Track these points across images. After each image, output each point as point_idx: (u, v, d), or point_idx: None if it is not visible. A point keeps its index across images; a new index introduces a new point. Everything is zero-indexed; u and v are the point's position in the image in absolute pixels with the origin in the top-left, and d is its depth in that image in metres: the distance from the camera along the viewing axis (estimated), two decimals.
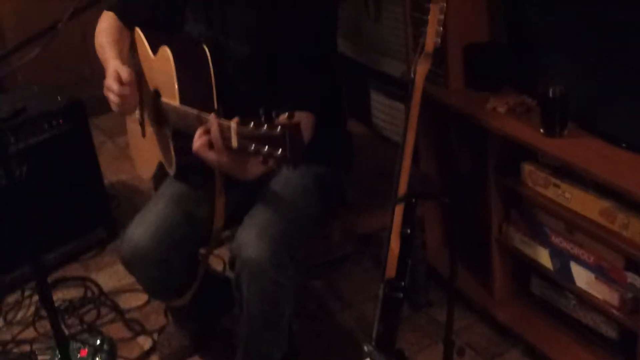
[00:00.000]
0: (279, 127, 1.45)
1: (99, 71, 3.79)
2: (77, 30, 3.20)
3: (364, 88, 2.95)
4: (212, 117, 1.64)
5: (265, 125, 1.47)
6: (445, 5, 1.61)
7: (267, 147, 1.48)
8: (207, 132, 1.65)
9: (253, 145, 1.51)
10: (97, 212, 3.03)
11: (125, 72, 1.95)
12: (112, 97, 1.97)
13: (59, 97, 2.93)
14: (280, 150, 1.46)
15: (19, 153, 2.74)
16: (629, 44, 1.83)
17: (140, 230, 2.02)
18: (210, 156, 1.66)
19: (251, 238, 1.89)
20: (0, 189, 2.49)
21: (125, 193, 3.39)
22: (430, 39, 1.62)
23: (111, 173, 3.48)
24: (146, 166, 2.29)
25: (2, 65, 1.74)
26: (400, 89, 2.77)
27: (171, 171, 2.06)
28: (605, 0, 1.86)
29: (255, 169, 1.66)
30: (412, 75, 1.68)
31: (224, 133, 1.61)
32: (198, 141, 1.67)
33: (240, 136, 1.55)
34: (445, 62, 2.22)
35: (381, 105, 2.91)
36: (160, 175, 2.24)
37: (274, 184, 2.02)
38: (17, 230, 1.63)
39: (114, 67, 1.99)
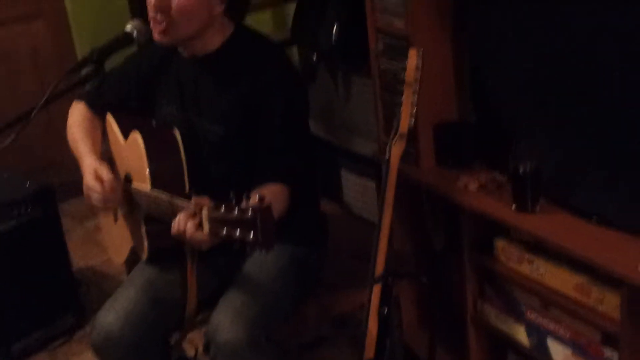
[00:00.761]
0: (250, 210, 1.46)
1: (68, 156, 3.80)
2: (44, 115, 3.21)
3: (334, 167, 2.97)
4: (185, 203, 1.65)
5: (236, 209, 1.48)
6: (418, 87, 1.65)
7: (238, 231, 1.48)
8: (186, 217, 1.65)
9: (225, 229, 1.51)
10: (66, 299, 2.97)
11: (104, 172, 1.96)
12: (95, 197, 1.97)
13: (27, 184, 2.90)
14: (251, 233, 1.47)
15: None
16: (596, 119, 1.87)
17: (112, 316, 1.98)
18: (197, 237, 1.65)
19: (227, 321, 1.86)
20: None
21: (94, 279, 3.33)
22: (405, 120, 1.66)
23: (80, 258, 3.42)
24: (118, 251, 2.27)
25: None
26: (370, 167, 2.80)
27: (143, 255, 2.04)
28: (571, 78, 1.91)
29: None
30: (388, 155, 1.70)
31: (196, 218, 1.62)
32: (180, 226, 1.68)
33: (212, 221, 1.55)
34: (417, 141, 2.25)
35: (352, 184, 2.93)
36: (133, 259, 2.22)
37: (250, 265, 2.01)
38: None
39: (91, 165, 2.00)
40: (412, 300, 2.53)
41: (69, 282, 2.99)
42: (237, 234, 1.48)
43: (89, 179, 1.99)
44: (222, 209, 1.51)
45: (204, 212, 1.57)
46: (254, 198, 1.49)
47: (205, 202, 1.63)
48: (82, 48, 3.79)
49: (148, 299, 2.01)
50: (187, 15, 1.90)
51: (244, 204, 1.48)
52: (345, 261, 2.36)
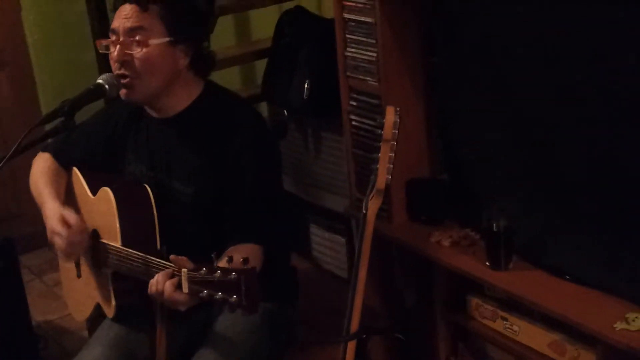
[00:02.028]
0: (234, 272, 1.45)
1: (27, 208, 3.73)
2: (5, 167, 3.16)
3: (303, 222, 2.95)
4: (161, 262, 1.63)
5: (219, 271, 1.46)
6: (395, 143, 1.66)
7: (220, 293, 1.46)
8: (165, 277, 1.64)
9: (205, 291, 1.49)
10: (24, 354, 2.87)
11: (72, 217, 1.92)
12: (60, 242, 1.92)
13: None
14: (235, 296, 1.45)
15: None
16: (567, 181, 1.90)
17: None
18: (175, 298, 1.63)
19: None
20: None
21: (53, 334, 3.23)
22: (382, 177, 1.66)
23: (38, 313, 3.32)
24: (81, 308, 2.21)
25: None
26: (340, 222, 2.79)
27: (110, 312, 1.99)
28: (543, 141, 1.94)
29: None
30: (365, 210, 1.70)
31: (175, 278, 1.59)
32: (158, 285, 1.66)
33: (192, 281, 1.53)
34: (389, 196, 2.25)
35: (321, 239, 2.91)
36: (95, 316, 2.16)
37: (221, 322, 1.97)
38: None
39: (56, 209, 1.95)
40: (383, 356, 2.50)
41: (29, 336, 2.90)
42: (219, 295, 1.46)
43: (54, 223, 1.93)
44: (204, 270, 1.49)
45: (184, 272, 1.55)
46: (237, 260, 1.47)
47: (184, 262, 1.61)
48: (46, 101, 3.75)
49: (115, 358, 1.95)
50: (151, 68, 1.88)
51: (226, 265, 1.46)
52: (316, 317, 2.33)
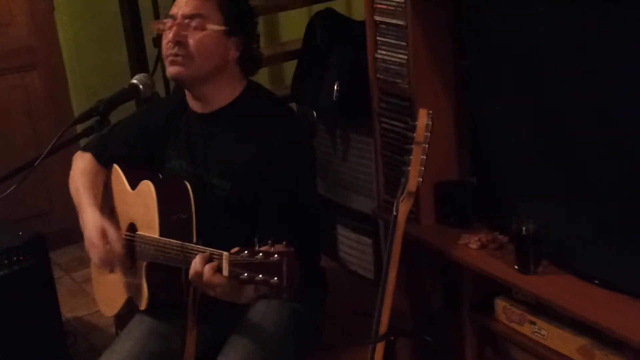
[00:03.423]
0: (276, 254, 1.46)
1: (58, 206, 3.78)
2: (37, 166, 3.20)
3: (330, 223, 2.97)
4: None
5: (260, 254, 1.48)
6: (427, 146, 1.66)
7: (261, 275, 1.47)
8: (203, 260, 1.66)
9: (246, 273, 1.51)
10: (54, 350, 2.91)
11: (111, 231, 1.96)
12: (97, 255, 1.96)
13: (20, 233, 2.87)
14: (276, 278, 1.46)
15: None
16: (599, 184, 1.90)
17: None
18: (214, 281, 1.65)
19: None
20: None
21: (82, 330, 3.28)
22: (414, 179, 1.67)
23: (68, 309, 3.37)
24: (111, 303, 2.24)
25: None
26: (366, 224, 2.80)
27: (142, 305, 2.02)
28: (574, 143, 1.94)
29: (249, 292, 1.66)
30: (395, 213, 1.71)
31: (214, 261, 1.62)
32: (197, 269, 1.68)
33: (232, 264, 1.55)
34: (417, 198, 2.25)
35: (348, 240, 2.92)
36: (125, 313, 2.18)
37: (248, 319, 1.99)
38: None
39: (96, 220, 1.99)
40: (410, 358, 2.50)
41: (58, 332, 2.94)
42: (260, 277, 1.47)
43: (93, 234, 1.97)
44: (245, 253, 1.51)
45: (225, 255, 1.57)
46: (280, 244, 1.49)
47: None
48: (78, 100, 3.80)
49: (146, 352, 1.98)
50: (204, 51, 1.95)
51: (269, 249, 1.48)
52: (343, 318, 2.33)
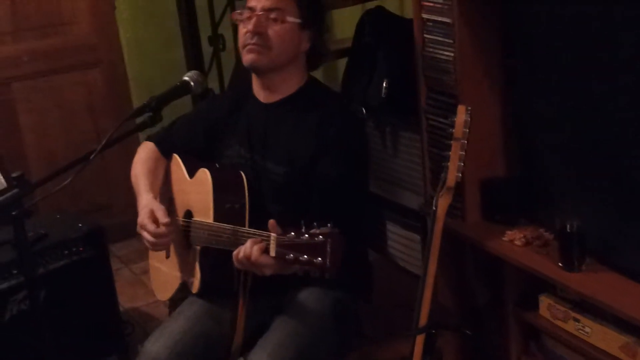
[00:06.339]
0: (321, 235, 1.51)
1: (118, 199, 3.89)
2: (99, 160, 3.30)
3: (379, 219, 3.00)
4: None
5: (306, 234, 1.53)
6: (466, 142, 1.68)
7: (306, 255, 1.52)
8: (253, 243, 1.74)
9: (291, 254, 1.56)
10: (111, 339, 3.00)
11: (161, 214, 2.02)
12: (146, 237, 2.03)
13: (80, 225, 2.97)
14: (319, 258, 1.51)
15: (39, 278, 2.74)
16: None
17: (159, 344, 2.03)
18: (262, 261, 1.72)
19: None
20: (21, 313, 2.50)
21: (139, 320, 3.37)
22: (452, 174, 1.69)
23: (126, 300, 3.47)
24: (166, 287, 2.31)
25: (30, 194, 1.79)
26: (415, 220, 2.82)
27: (194, 288, 2.09)
28: (621, 138, 1.93)
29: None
30: (434, 208, 1.73)
31: (262, 243, 1.69)
32: (246, 251, 1.76)
33: (279, 244, 1.60)
34: (463, 195, 2.27)
35: (397, 236, 2.95)
36: (177, 298, 2.26)
37: (292, 306, 2.05)
38: (32, 356, 1.63)
39: (149, 204, 2.06)
40: (454, 354, 2.52)
41: (116, 322, 3.03)
42: (305, 257, 1.52)
43: (144, 217, 2.05)
44: (292, 234, 1.56)
45: (272, 237, 1.63)
46: (325, 227, 1.54)
47: (274, 227, 1.70)
48: (138, 96, 3.91)
49: (196, 332, 2.05)
50: (281, 43, 2.04)
51: (314, 230, 1.53)
52: (388, 312, 2.36)
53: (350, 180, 2.04)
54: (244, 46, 2.07)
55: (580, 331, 2.03)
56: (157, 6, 3.89)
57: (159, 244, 2.06)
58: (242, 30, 2.08)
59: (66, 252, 2.85)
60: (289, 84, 2.12)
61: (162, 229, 2.01)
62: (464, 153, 1.70)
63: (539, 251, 2.12)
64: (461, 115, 1.83)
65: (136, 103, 3.92)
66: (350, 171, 2.04)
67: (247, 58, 2.07)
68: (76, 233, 2.90)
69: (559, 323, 2.09)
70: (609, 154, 1.97)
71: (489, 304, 2.37)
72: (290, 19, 2.04)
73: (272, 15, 2.04)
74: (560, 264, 2.03)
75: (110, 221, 3.51)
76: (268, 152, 2.11)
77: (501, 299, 2.25)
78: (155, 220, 2.02)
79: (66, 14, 3.71)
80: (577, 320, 2.03)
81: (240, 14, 2.09)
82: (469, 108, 1.88)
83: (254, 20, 2.04)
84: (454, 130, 1.79)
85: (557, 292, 2.11)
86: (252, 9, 2.06)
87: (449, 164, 1.69)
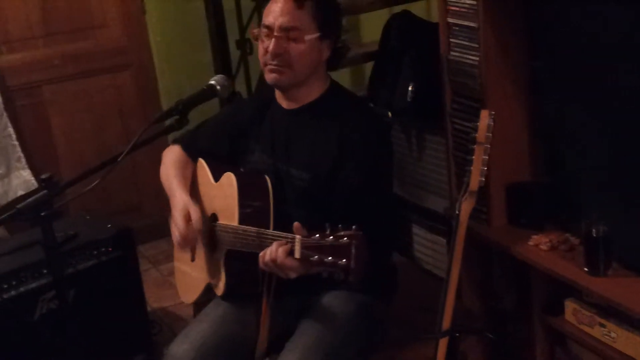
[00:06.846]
0: (345, 237, 1.52)
1: (147, 201, 3.93)
2: (129, 162, 3.34)
3: (405, 222, 3.00)
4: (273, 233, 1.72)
5: (331, 236, 1.54)
6: (489, 146, 1.69)
7: (330, 257, 1.53)
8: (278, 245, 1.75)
9: (316, 256, 1.57)
10: (139, 338, 3.04)
11: (195, 214, 2.05)
12: (176, 234, 2.06)
13: (109, 225, 3.01)
14: (344, 260, 1.52)
15: (68, 278, 2.79)
16: None
17: (185, 347, 2.05)
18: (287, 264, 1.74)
19: None
20: (50, 312, 2.54)
21: (166, 320, 3.41)
22: (475, 179, 1.69)
23: (153, 300, 3.51)
24: (191, 290, 2.34)
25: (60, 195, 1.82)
26: (441, 224, 2.82)
27: (219, 291, 2.11)
28: None
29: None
30: (457, 212, 1.73)
31: (287, 245, 1.70)
32: (271, 253, 1.77)
33: (304, 246, 1.61)
34: (488, 199, 2.27)
35: (422, 240, 2.95)
36: (202, 301, 2.28)
37: (317, 309, 2.06)
38: (60, 355, 1.66)
39: (184, 202, 2.09)
40: (479, 358, 2.51)
41: (143, 322, 3.06)
42: (329, 259, 1.53)
43: (177, 214, 2.08)
44: (317, 236, 1.57)
45: (297, 239, 1.64)
46: (349, 229, 1.55)
47: (299, 229, 1.71)
48: (166, 99, 3.95)
49: (221, 335, 2.07)
50: (302, 61, 2.04)
51: (339, 232, 1.54)
52: (413, 315, 2.36)
53: (374, 185, 2.04)
54: (265, 65, 2.07)
55: (606, 337, 2.02)
56: (185, 11, 3.93)
57: (186, 243, 2.08)
58: (261, 49, 2.07)
59: (95, 252, 2.89)
60: (312, 92, 2.12)
61: (195, 226, 2.04)
62: (487, 157, 1.70)
63: (565, 256, 2.11)
64: (484, 119, 1.83)
65: (165, 106, 3.96)
66: (374, 176, 2.04)
67: (269, 77, 2.08)
68: (105, 234, 2.94)
69: (584, 328, 2.08)
70: (636, 158, 1.95)
71: (514, 308, 2.37)
72: (308, 37, 2.02)
73: (291, 34, 2.02)
74: (586, 269, 2.02)
75: (139, 222, 3.55)
76: (291, 158, 2.12)
77: (526, 304, 2.24)
78: (187, 219, 2.04)
79: (97, 18, 3.76)
80: (603, 326, 2.02)
81: (259, 31, 2.08)
82: (492, 112, 1.88)
83: (273, 42, 2.02)
84: (476, 135, 1.79)
85: (583, 297, 2.10)
86: (269, 28, 2.04)
87: (472, 168, 1.69)
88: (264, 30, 2.06)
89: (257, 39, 2.10)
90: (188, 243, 2.09)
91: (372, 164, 2.04)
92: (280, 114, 2.17)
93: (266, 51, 2.05)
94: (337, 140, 2.05)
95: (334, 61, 2.14)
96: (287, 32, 2.02)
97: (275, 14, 2.03)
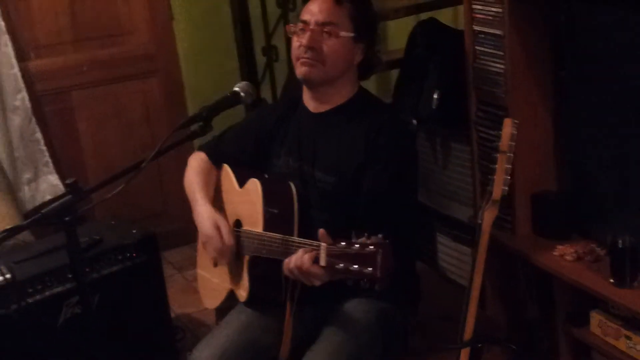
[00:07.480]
0: (372, 245, 1.51)
1: (172, 207, 3.94)
2: (154, 168, 3.36)
3: (430, 231, 2.98)
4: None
5: (357, 244, 1.53)
6: (512, 155, 1.67)
7: (356, 265, 1.53)
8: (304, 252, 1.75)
9: (342, 264, 1.56)
10: (162, 343, 3.04)
11: (223, 224, 2.07)
12: (214, 246, 2.08)
13: (134, 231, 3.02)
14: (370, 268, 1.51)
15: (92, 283, 2.81)
16: None
17: (207, 353, 2.06)
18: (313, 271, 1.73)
19: None
20: (75, 317, 2.55)
21: (190, 326, 3.41)
22: (498, 187, 1.68)
23: (177, 306, 3.52)
24: (214, 296, 2.34)
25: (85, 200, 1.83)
26: (466, 232, 2.80)
27: (243, 297, 2.11)
28: None
29: None
30: (480, 221, 1.72)
31: (313, 252, 1.70)
32: (297, 260, 1.76)
33: (330, 254, 1.61)
34: (513, 209, 2.25)
35: (447, 249, 2.93)
36: (225, 307, 2.28)
37: (339, 317, 2.05)
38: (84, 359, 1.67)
39: (210, 215, 2.11)
40: None
41: (167, 327, 3.07)
42: (355, 267, 1.53)
43: (209, 229, 2.09)
44: (342, 244, 1.57)
45: (323, 246, 1.64)
46: (376, 237, 1.54)
47: (325, 237, 1.71)
48: (193, 105, 3.97)
49: (243, 341, 2.07)
50: (335, 57, 2.06)
51: (365, 240, 1.53)
52: (436, 324, 2.35)
53: (398, 190, 2.04)
54: (298, 59, 2.09)
55: (632, 349, 1.99)
56: (213, 17, 3.95)
57: (225, 255, 2.10)
58: (296, 43, 2.10)
59: (120, 257, 2.89)
60: (340, 94, 2.14)
61: (228, 240, 2.06)
62: (510, 166, 1.69)
63: (590, 267, 2.09)
64: (507, 128, 1.82)
65: (191, 112, 3.97)
66: (398, 182, 2.04)
67: (300, 71, 2.09)
68: (130, 239, 2.95)
69: (610, 340, 2.05)
70: None
71: (538, 318, 2.34)
72: (343, 33, 2.05)
73: (326, 29, 2.05)
74: (612, 280, 2.00)
75: (164, 228, 3.56)
76: (317, 161, 2.13)
77: (551, 314, 2.22)
78: (218, 230, 2.07)
79: (125, 24, 3.80)
80: (629, 338, 1.99)
81: (295, 26, 2.11)
82: (516, 121, 1.87)
83: (307, 34, 2.06)
84: (499, 144, 1.78)
85: (609, 308, 2.07)
86: (306, 22, 2.08)
87: (494, 177, 1.68)
88: (300, 24, 2.09)
89: (293, 34, 2.12)
90: (224, 255, 2.11)
91: (398, 169, 2.04)
92: (307, 116, 2.18)
93: (300, 45, 2.07)
94: (363, 144, 2.06)
95: (365, 69, 2.16)
96: (323, 27, 2.05)
97: (314, 9, 2.08)
